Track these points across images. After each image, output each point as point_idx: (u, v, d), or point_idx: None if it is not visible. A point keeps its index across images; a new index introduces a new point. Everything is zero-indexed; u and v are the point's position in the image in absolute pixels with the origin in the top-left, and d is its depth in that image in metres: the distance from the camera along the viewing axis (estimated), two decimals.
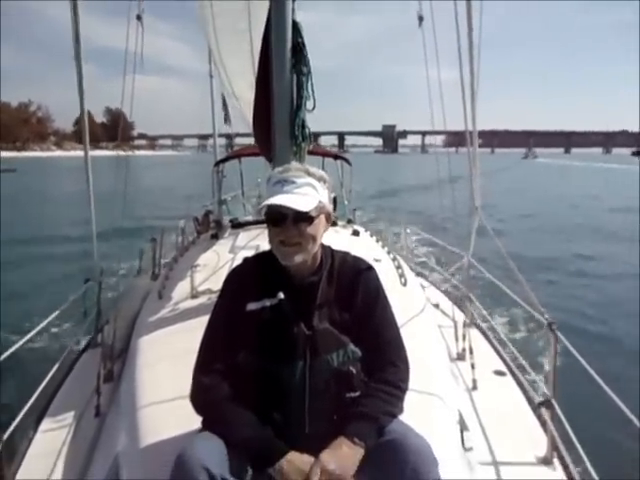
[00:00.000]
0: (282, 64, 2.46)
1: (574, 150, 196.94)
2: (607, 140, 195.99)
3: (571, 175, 53.98)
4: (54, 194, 28.43)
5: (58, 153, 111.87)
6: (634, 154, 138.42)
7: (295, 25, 2.45)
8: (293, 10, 2.44)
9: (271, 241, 1.52)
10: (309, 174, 1.52)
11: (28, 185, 34.04)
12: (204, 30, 4.56)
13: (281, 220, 1.46)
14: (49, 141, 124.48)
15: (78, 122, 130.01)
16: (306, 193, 1.48)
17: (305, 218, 1.46)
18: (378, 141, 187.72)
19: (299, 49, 2.43)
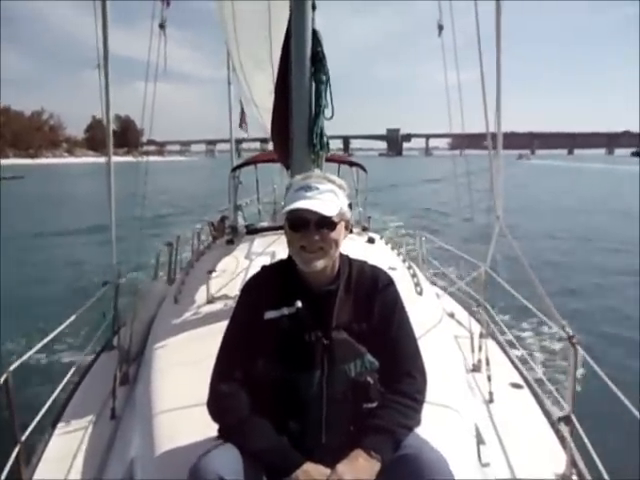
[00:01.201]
0: (301, 72, 2.47)
1: (577, 151, 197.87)
2: (610, 141, 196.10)
3: (556, 175, 55.56)
4: (70, 198, 28.99)
5: (70, 160, 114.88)
6: (633, 154, 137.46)
7: (315, 34, 2.46)
8: (313, 19, 2.45)
9: (292, 247, 1.52)
10: (330, 181, 1.54)
11: (43, 190, 34.91)
12: (225, 37, 4.61)
13: (303, 225, 1.46)
14: (61, 148, 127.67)
15: (89, 129, 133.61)
16: (329, 199, 1.48)
17: (328, 223, 1.46)
18: (383, 144, 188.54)
19: (319, 58, 2.44)
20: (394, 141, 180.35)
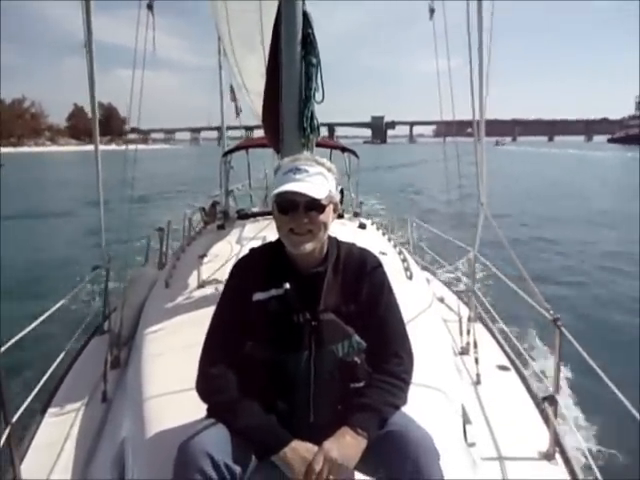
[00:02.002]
0: (292, 55, 2.45)
1: (557, 138, 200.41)
2: (588, 128, 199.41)
3: (526, 159, 58.38)
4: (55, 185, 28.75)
5: (53, 148, 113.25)
6: (609, 141, 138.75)
7: (305, 16, 2.44)
8: (303, 2, 2.43)
9: (280, 229, 1.52)
10: (319, 163, 1.54)
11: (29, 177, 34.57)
12: (215, 21, 4.55)
13: (292, 208, 1.46)
14: (43, 136, 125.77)
15: (71, 117, 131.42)
16: (318, 181, 1.49)
17: (317, 206, 1.47)
18: (368, 132, 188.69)
19: (309, 40, 2.42)
20: (378, 129, 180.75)
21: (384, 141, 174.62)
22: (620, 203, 19.69)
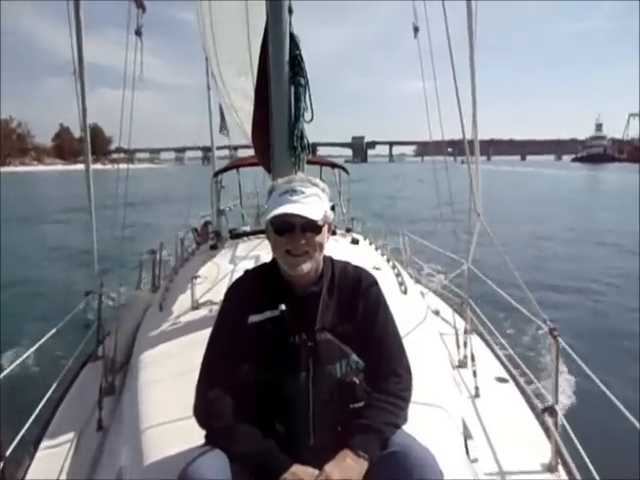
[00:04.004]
0: (280, 76, 2.48)
1: (530, 157, 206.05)
2: (558, 148, 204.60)
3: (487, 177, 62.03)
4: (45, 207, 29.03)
5: (40, 168, 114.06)
6: (573, 160, 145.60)
7: (292, 37, 2.47)
8: (290, 23, 2.46)
9: (276, 251, 1.52)
10: (313, 184, 1.54)
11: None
12: (203, 41, 4.59)
13: (289, 229, 1.46)
14: (29, 156, 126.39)
15: (57, 137, 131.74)
16: (314, 202, 1.49)
17: (313, 227, 1.47)
18: (349, 152, 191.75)
19: (297, 62, 2.45)
20: (359, 149, 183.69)
21: (365, 160, 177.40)
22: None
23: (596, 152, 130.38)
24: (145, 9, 3.54)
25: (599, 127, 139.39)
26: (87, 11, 3.17)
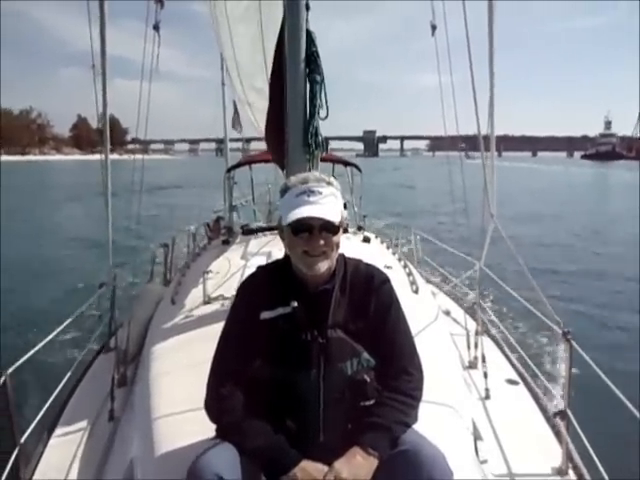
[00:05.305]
0: (296, 73, 2.47)
1: (541, 154, 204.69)
2: (570, 145, 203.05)
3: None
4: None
5: (58, 157, 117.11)
6: (582, 157, 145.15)
7: (309, 34, 2.47)
8: (307, 20, 2.46)
9: (293, 251, 1.51)
10: (328, 183, 1.53)
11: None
12: (217, 36, 4.61)
13: (307, 230, 1.46)
14: (48, 145, 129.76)
15: (75, 127, 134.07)
16: (332, 203, 1.49)
17: (331, 228, 1.47)
18: (360, 146, 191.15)
19: (313, 59, 2.45)
20: (370, 143, 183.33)
21: (376, 154, 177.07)
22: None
23: (605, 150, 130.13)
24: (163, 5, 3.56)
25: (608, 125, 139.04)
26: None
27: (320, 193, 1.48)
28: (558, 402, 2.49)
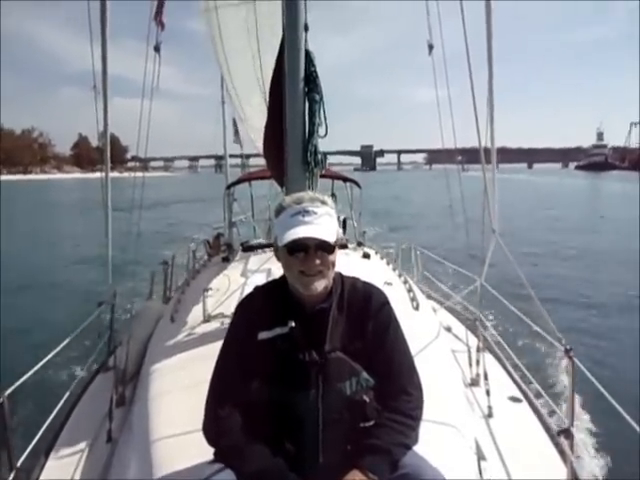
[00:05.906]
0: (295, 92, 2.51)
1: (536, 165, 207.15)
2: (564, 156, 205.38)
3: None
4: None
5: (59, 176, 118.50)
6: (576, 168, 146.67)
7: (308, 54, 2.51)
8: (306, 40, 2.49)
9: (289, 271, 1.51)
10: (323, 203, 1.53)
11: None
12: (216, 55, 4.67)
13: (302, 250, 1.46)
14: (49, 164, 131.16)
15: (76, 146, 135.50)
16: (327, 222, 1.49)
17: (327, 247, 1.46)
18: (358, 160, 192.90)
19: (312, 78, 2.48)
20: (368, 157, 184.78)
21: (373, 168, 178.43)
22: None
23: (597, 160, 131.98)
24: (164, 27, 3.62)
25: (600, 136, 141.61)
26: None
27: (315, 213, 1.48)
28: (562, 420, 2.46)
